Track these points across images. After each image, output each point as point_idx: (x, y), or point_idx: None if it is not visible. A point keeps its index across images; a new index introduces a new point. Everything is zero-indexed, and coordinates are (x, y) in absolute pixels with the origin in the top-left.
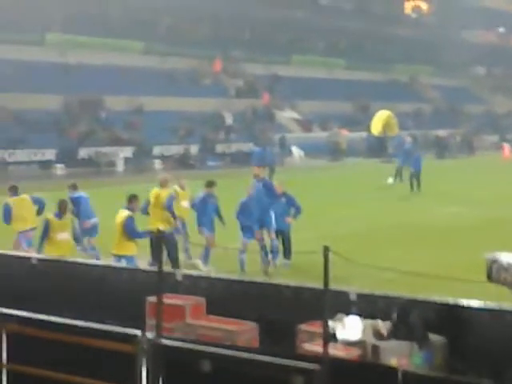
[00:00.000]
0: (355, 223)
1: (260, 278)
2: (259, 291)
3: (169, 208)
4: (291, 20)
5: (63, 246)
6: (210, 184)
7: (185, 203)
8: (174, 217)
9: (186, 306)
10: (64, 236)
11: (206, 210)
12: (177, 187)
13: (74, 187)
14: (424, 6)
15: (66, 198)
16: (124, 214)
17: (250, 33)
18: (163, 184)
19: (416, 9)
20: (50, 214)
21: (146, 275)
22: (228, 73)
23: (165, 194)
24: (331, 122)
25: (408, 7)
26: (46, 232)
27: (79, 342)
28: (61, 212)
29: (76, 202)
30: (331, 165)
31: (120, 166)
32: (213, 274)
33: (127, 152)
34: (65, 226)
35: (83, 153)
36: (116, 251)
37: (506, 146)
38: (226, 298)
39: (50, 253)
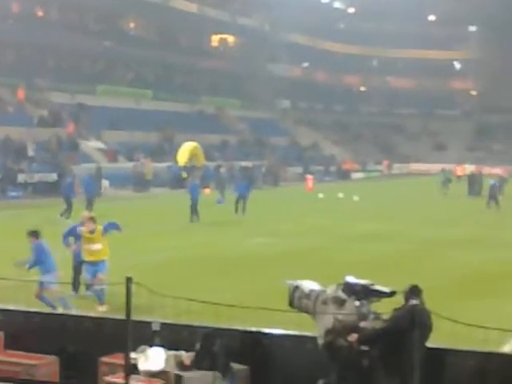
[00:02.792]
0: (163, 254)
1: (60, 311)
2: (59, 323)
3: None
4: (98, 49)
5: None
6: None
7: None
8: None
9: None
10: None
11: None
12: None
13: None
14: (230, 39)
15: None
16: None
17: (55, 62)
18: None
19: (222, 41)
20: None
21: None
22: (32, 102)
23: None
24: (137, 153)
25: (215, 40)
26: None
27: None
28: None
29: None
30: (136, 195)
31: None
32: (11, 307)
33: None
34: None
35: None
36: None
37: (310, 177)
38: (25, 331)
39: None
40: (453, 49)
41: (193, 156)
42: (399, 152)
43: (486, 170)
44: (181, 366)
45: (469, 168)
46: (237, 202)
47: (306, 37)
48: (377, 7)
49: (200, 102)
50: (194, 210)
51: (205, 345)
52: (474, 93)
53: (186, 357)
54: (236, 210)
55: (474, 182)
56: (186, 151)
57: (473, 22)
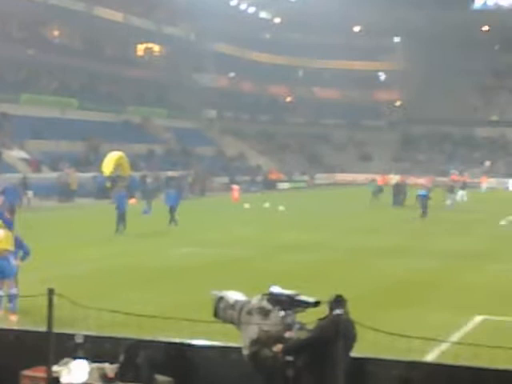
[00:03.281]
0: (87, 264)
1: None
2: None
3: None
4: (21, 58)
5: None
6: None
7: None
8: None
9: None
10: None
11: None
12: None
13: None
14: (156, 49)
15: None
16: None
17: None
18: None
19: (148, 51)
20: None
21: None
22: None
23: None
24: (62, 162)
25: (140, 49)
26: None
27: None
28: None
29: None
30: (61, 205)
31: None
32: None
33: None
34: None
35: None
36: None
37: (236, 187)
38: None
39: None
40: (378, 60)
41: (118, 166)
42: (325, 162)
43: (411, 180)
44: (104, 378)
45: (394, 178)
46: (170, 211)
47: (231, 47)
48: (302, 18)
49: (126, 111)
50: (121, 220)
51: (128, 357)
52: (398, 104)
53: (110, 369)
54: (170, 221)
55: (398, 192)
56: (111, 161)
57: (397, 34)
